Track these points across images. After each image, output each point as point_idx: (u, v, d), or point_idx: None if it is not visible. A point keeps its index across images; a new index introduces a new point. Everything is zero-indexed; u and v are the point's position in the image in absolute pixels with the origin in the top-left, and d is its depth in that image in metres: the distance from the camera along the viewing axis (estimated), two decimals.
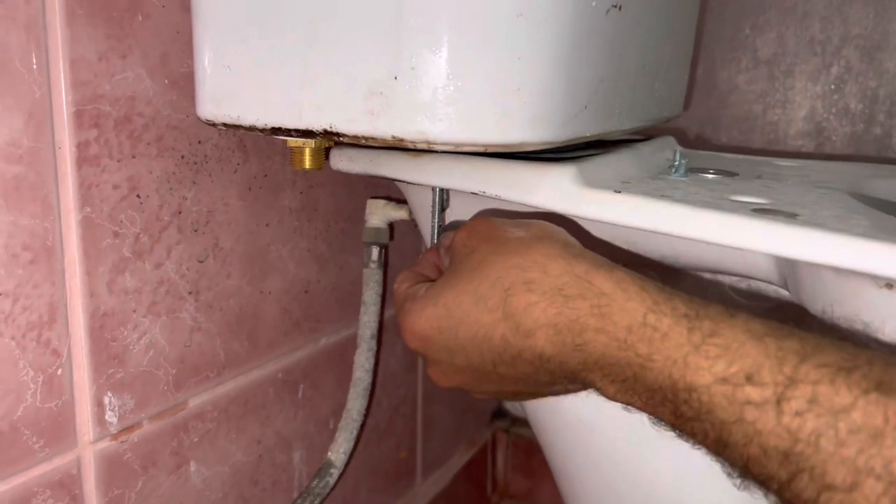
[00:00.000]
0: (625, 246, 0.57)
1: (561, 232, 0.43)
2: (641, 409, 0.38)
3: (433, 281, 0.48)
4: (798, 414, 0.31)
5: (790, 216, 0.42)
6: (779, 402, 0.31)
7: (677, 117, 0.74)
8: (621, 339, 0.36)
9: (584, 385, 0.41)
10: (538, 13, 0.42)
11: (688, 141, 1.06)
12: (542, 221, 0.45)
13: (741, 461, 0.33)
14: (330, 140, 0.48)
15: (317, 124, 0.45)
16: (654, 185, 0.50)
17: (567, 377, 0.40)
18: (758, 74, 1.00)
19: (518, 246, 0.41)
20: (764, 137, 1.01)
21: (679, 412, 0.35)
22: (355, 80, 0.43)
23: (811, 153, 0.99)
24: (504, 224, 0.44)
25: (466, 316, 0.41)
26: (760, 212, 0.43)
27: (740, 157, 0.70)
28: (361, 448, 0.83)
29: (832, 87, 0.97)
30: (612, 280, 0.38)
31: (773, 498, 0.33)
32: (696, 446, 0.36)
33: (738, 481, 0.35)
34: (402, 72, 0.42)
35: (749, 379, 0.32)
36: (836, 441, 0.30)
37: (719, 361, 0.33)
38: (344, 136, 0.45)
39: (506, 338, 0.40)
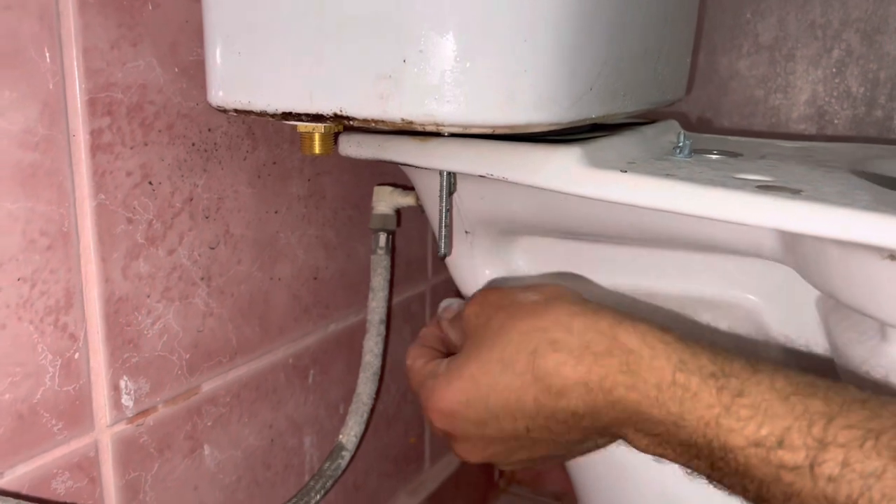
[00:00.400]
0: (630, 227, 0.57)
1: (572, 291, 0.44)
2: (674, 460, 0.39)
3: (444, 354, 0.49)
4: (832, 479, 0.32)
5: (794, 192, 0.43)
6: (812, 466, 0.33)
7: (679, 101, 0.75)
8: (652, 398, 0.37)
9: (614, 437, 0.41)
10: None
11: (690, 126, 1.06)
12: (552, 283, 0.45)
13: None
14: (340, 124, 0.49)
15: (327, 108, 0.46)
16: (658, 166, 0.50)
17: (598, 432, 0.41)
18: (759, 59, 1.01)
19: (535, 308, 0.42)
20: (766, 122, 1.02)
21: (716, 467, 0.36)
22: (365, 63, 0.44)
23: (814, 136, 0.99)
24: (514, 290, 0.44)
25: (496, 383, 0.41)
26: (765, 188, 0.44)
27: (744, 139, 0.71)
28: (371, 433, 0.84)
29: (833, 70, 0.97)
30: (637, 335, 0.38)
31: None
32: (735, 496, 0.37)
33: None
34: (411, 55, 0.43)
35: (780, 444, 0.34)
36: None
37: (750, 423, 0.34)
38: (354, 119, 0.46)
39: (538, 400, 0.40)
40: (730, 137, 0.71)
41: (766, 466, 0.34)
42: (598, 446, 0.44)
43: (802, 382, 0.35)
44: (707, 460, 0.37)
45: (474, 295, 0.47)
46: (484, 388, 0.42)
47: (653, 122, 0.69)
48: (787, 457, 0.33)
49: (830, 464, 0.32)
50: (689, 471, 0.39)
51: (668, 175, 0.47)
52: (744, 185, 0.44)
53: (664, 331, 0.39)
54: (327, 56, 0.45)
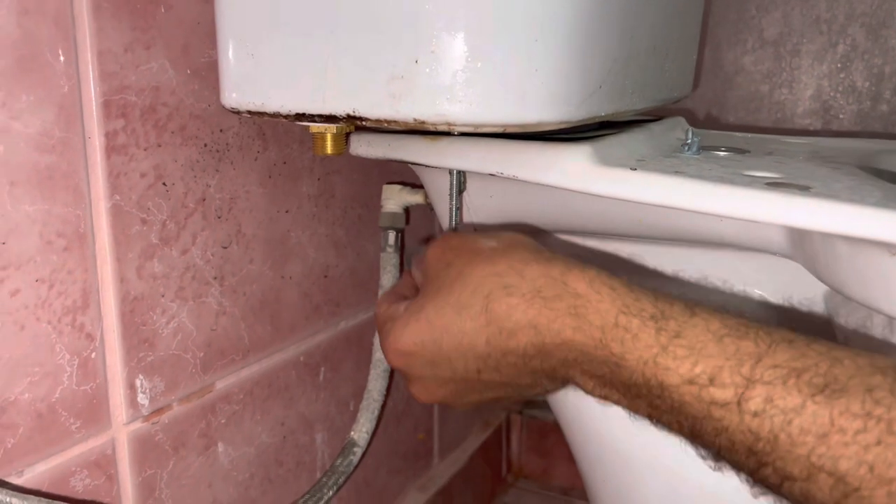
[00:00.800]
0: (638, 224, 0.58)
1: (529, 240, 0.46)
2: (618, 402, 0.41)
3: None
4: (756, 414, 0.35)
5: (803, 188, 0.44)
6: (739, 402, 0.35)
7: (686, 97, 0.75)
8: (597, 339, 0.39)
9: (563, 382, 0.44)
10: None
11: (697, 122, 1.07)
12: (510, 232, 0.47)
13: (713, 450, 0.38)
14: (352, 125, 0.49)
15: (340, 109, 0.46)
16: (667, 163, 0.51)
17: (548, 375, 0.43)
18: (764, 55, 1.01)
19: (492, 254, 0.44)
20: (771, 117, 1.02)
21: (654, 405, 0.39)
22: (378, 64, 0.44)
23: (818, 131, 1.00)
24: (475, 237, 0.47)
25: (450, 325, 0.44)
26: (774, 185, 0.44)
27: (750, 135, 0.71)
28: (381, 430, 0.85)
29: (838, 65, 0.98)
30: (585, 280, 0.41)
31: (744, 477, 0.37)
32: (672, 434, 0.40)
33: (713, 463, 0.39)
34: (423, 55, 0.44)
35: (712, 381, 0.36)
36: (791, 441, 0.34)
37: (685, 362, 0.37)
38: (367, 120, 0.47)
39: (490, 342, 0.42)
40: (736, 134, 0.71)
41: (699, 403, 0.36)
42: (546, 391, 0.46)
43: (736, 324, 0.38)
44: (646, 399, 0.39)
45: (436, 239, 0.49)
46: (438, 330, 0.44)
47: (660, 118, 0.69)
48: (717, 394, 0.36)
49: (756, 400, 0.35)
50: (631, 413, 0.41)
51: (677, 172, 0.47)
52: (753, 182, 0.45)
53: (611, 277, 0.41)
54: (340, 57, 0.45)
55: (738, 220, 0.44)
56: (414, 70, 0.44)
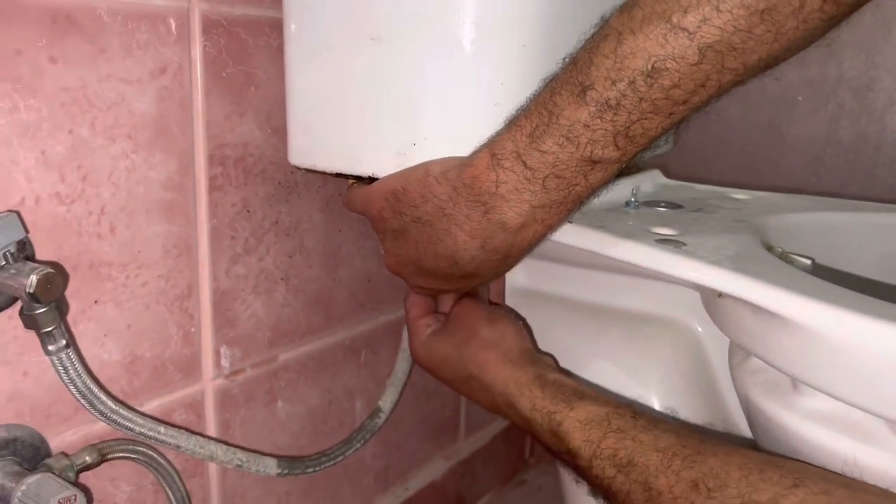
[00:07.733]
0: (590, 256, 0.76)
1: (509, 341, 0.70)
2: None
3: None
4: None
5: (678, 245, 0.61)
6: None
7: (668, 152, 0.92)
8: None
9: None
10: (515, 91, 0.63)
11: (691, 173, 1.23)
12: (504, 322, 0.72)
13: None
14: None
15: (364, 172, 0.67)
16: (602, 217, 0.69)
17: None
18: (762, 110, 1.16)
19: (480, 350, 0.70)
20: (766, 168, 1.18)
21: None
22: (387, 144, 0.65)
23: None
24: (479, 321, 0.72)
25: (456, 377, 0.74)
26: (661, 241, 0.62)
27: (709, 187, 0.88)
28: (413, 404, 1.06)
29: (827, 124, 1.12)
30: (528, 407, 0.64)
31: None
32: None
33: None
34: (419, 140, 0.64)
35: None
36: None
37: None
38: None
39: (477, 394, 0.72)
40: (697, 186, 0.88)
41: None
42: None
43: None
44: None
45: (464, 303, 0.74)
46: (448, 371, 0.77)
47: (640, 171, 0.87)
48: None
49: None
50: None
51: (601, 227, 0.66)
52: (647, 237, 0.63)
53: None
54: (364, 138, 0.66)
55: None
56: (412, 149, 0.64)
